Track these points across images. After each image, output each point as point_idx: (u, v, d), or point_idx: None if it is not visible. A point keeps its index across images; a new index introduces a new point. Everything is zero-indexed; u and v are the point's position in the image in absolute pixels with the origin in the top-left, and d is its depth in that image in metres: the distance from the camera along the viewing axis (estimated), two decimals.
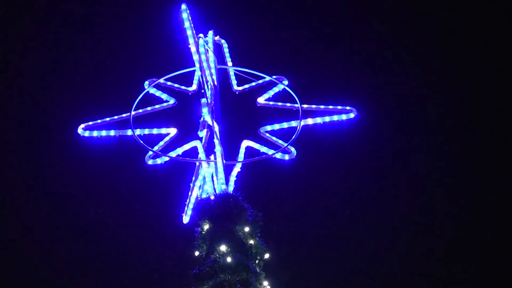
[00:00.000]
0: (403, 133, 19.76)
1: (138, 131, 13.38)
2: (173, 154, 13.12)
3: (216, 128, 12.90)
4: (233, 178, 12.81)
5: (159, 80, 13.99)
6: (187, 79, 14.13)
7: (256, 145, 13.32)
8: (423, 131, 19.78)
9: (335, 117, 13.54)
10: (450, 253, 18.29)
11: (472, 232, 18.32)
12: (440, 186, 19.19)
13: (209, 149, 13.07)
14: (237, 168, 12.96)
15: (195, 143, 13.14)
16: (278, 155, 13.18)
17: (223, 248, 11.23)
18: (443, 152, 19.65)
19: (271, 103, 14.00)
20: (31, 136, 19.63)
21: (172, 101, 14.02)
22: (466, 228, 18.39)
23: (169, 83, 14.12)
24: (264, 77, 14.04)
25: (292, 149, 13.25)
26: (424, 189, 19.26)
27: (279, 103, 13.89)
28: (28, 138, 19.63)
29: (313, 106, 13.65)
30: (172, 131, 13.63)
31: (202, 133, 13.29)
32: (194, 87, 14.09)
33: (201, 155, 12.94)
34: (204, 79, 13.13)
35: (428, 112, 19.99)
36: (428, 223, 18.67)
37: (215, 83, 13.69)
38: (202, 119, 13.23)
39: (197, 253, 11.66)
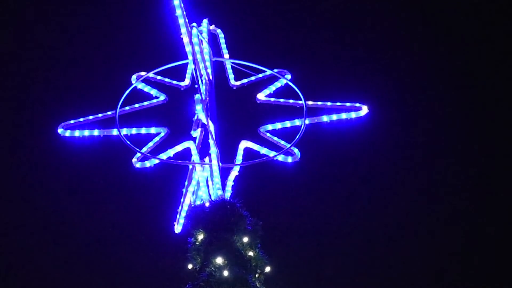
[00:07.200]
0: (418, 133, 19.80)
1: (124, 131, 13.35)
2: (163, 156, 13.10)
3: (211, 127, 12.87)
4: (230, 182, 12.79)
5: (148, 74, 13.98)
6: (179, 73, 14.12)
7: (255, 146, 13.29)
8: (439, 130, 19.83)
9: (343, 115, 13.54)
10: (465, 257, 18.39)
11: (488, 234, 18.44)
12: (457, 188, 19.27)
13: (204, 151, 13.05)
14: (234, 172, 12.94)
15: (188, 144, 13.11)
16: (280, 157, 13.16)
17: (219, 260, 11.20)
18: (460, 152, 19.71)
19: (272, 99, 14.00)
20: (4, 136, 19.61)
21: (162, 97, 14.00)
22: (483, 230, 18.50)
23: (159, 77, 14.10)
24: (265, 71, 14.03)
25: (296, 150, 13.24)
26: (439, 192, 19.32)
27: (281, 100, 13.88)
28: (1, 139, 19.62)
29: (319, 103, 13.65)
30: (163, 130, 13.61)
31: (196, 133, 13.26)
32: (186, 81, 14.07)
33: (195, 157, 12.92)
34: (197, 73, 13.10)
35: (445, 110, 20.05)
36: (443, 227, 18.76)
37: (210, 77, 13.68)
38: (195, 117, 13.21)
39: (190, 266, 11.62)
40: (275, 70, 14.04)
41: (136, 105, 13.84)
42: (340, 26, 20.48)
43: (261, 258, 11.62)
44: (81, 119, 13.67)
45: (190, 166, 13.05)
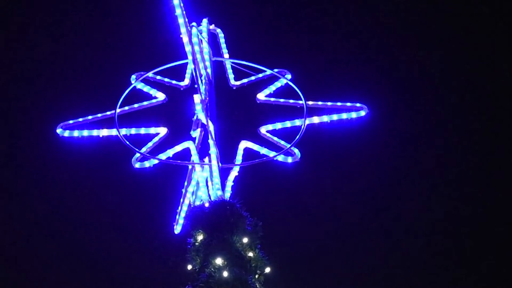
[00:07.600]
0: (418, 133, 19.79)
1: (124, 131, 13.33)
2: (163, 156, 13.07)
3: (211, 127, 12.85)
4: (230, 183, 12.76)
5: (147, 74, 13.95)
6: (179, 72, 14.09)
7: (255, 146, 13.27)
8: (439, 130, 19.83)
9: (344, 115, 13.51)
10: (468, 256, 18.41)
11: (490, 233, 18.46)
12: (457, 188, 19.29)
13: (203, 151, 13.03)
14: (234, 172, 12.92)
15: (188, 144, 13.09)
16: (280, 158, 13.13)
17: (219, 261, 11.18)
18: (461, 153, 19.71)
19: (272, 99, 13.97)
20: (3, 136, 19.60)
21: (162, 97, 13.98)
22: (484, 229, 18.51)
23: (158, 77, 14.07)
24: (265, 71, 14.00)
25: (296, 150, 13.21)
26: (440, 192, 19.33)
27: (281, 100, 13.86)
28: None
29: (319, 103, 13.63)
30: (162, 130, 13.58)
31: (196, 133, 13.24)
32: (186, 81, 14.04)
33: (194, 157, 12.90)
34: (197, 72, 13.09)
35: (445, 110, 20.05)
36: (446, 228, 18.76)
37: (210, 77, 13.66)
38: (195, 117, 13.19)
39: (190, 267, 11.61)
40: (275, 70, 14.01)
41: (136, 105, 13.81)
42: (340, 26, 20.48)
43: (261, 258, 11.60)
44: (80, 119, 13.63)
45: (190, 167, 13.03)
